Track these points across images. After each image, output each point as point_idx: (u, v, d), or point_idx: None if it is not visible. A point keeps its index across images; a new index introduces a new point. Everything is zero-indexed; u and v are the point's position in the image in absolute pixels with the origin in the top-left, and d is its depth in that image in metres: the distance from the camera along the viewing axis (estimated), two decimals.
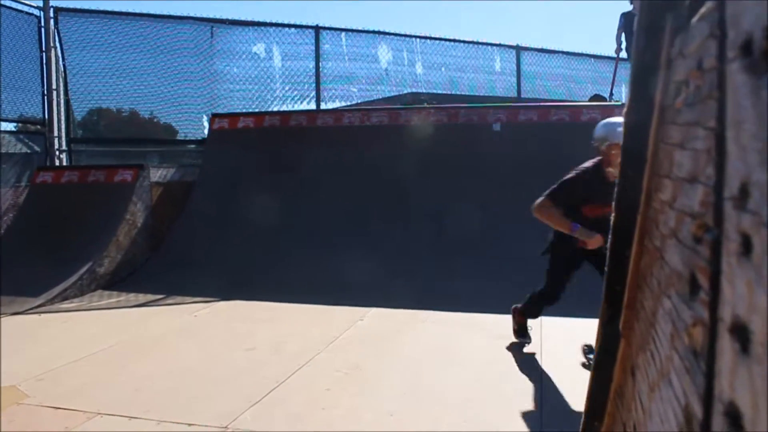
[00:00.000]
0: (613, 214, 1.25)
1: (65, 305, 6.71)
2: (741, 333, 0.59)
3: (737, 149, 0.63)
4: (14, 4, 9.56)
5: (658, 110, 1.07)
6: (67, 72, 10.29)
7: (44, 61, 10.03)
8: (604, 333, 1.40)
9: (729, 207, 0.65)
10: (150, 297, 6.97)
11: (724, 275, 0.66)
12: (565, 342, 4.89)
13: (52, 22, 10.07)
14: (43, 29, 10.02)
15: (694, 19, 0.84)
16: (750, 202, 0.58)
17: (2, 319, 6.00)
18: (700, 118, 0.79)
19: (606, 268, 1.29)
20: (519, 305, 4.88)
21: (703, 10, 0.79)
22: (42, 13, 10.00)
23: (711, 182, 0.72)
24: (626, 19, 10.47)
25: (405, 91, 12.48)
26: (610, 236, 1.26)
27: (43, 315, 6.30)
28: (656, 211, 1.05)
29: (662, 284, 0.96)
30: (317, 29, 11.79)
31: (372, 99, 12.21)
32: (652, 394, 0.98)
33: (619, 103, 10.04)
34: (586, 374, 1.72)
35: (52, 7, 10.07)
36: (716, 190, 0.69)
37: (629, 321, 1.24)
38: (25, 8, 9.81)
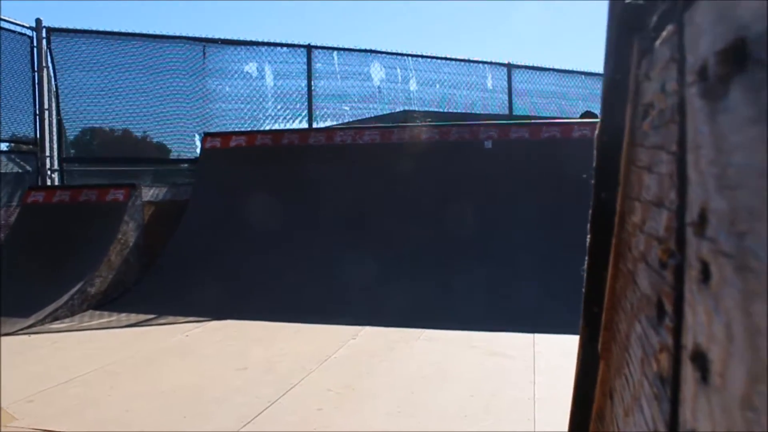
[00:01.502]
0: (588, 236, 1.25)
1: (56, 325, 6.66)
2: (701, 362, 0.58)
3: (696, 175, 0.63)
4: (6, 25, 9.60)
5: (628, 132, 1.07)
6: (60, 92, 10.32)
7: (36, 81, 10.07)
8: (583, 354, 1.40)
9: (690, 233, 0.65)
10: (142, 317, 6.93)
11: (686, 302, 0.66)
12: (557, 358, 4.87)
13: (44, 42, 10.11)
14: (35, 49, 10.06)
15: (657, 42, 0.84)
16: (708, 229, 0.58)
17: None
18: (663, 141, 0.79)
19: (583, 289, 1.28)
20: None
21: (664, 33, 0.80)
22: (34, 33, 10.05)
23: (674, 207, 0.72)
24: None
25: (397, 109, 12.51)
26: (587, 257, 1.26)
27: (33, 335, 6.25)
28: (629, 233, 1.05)
29: (634, 307, 0.96)
30: (309, 48, 11.84)
31: (364, 117, 12.23)
32: (627, 418, 0.97)
33: None
34: None
35: (44, 27, 10.11)
36: (678, 216, 0.69)
37: (607, 343, 1.23)
38: (18, 28, 9.85)
